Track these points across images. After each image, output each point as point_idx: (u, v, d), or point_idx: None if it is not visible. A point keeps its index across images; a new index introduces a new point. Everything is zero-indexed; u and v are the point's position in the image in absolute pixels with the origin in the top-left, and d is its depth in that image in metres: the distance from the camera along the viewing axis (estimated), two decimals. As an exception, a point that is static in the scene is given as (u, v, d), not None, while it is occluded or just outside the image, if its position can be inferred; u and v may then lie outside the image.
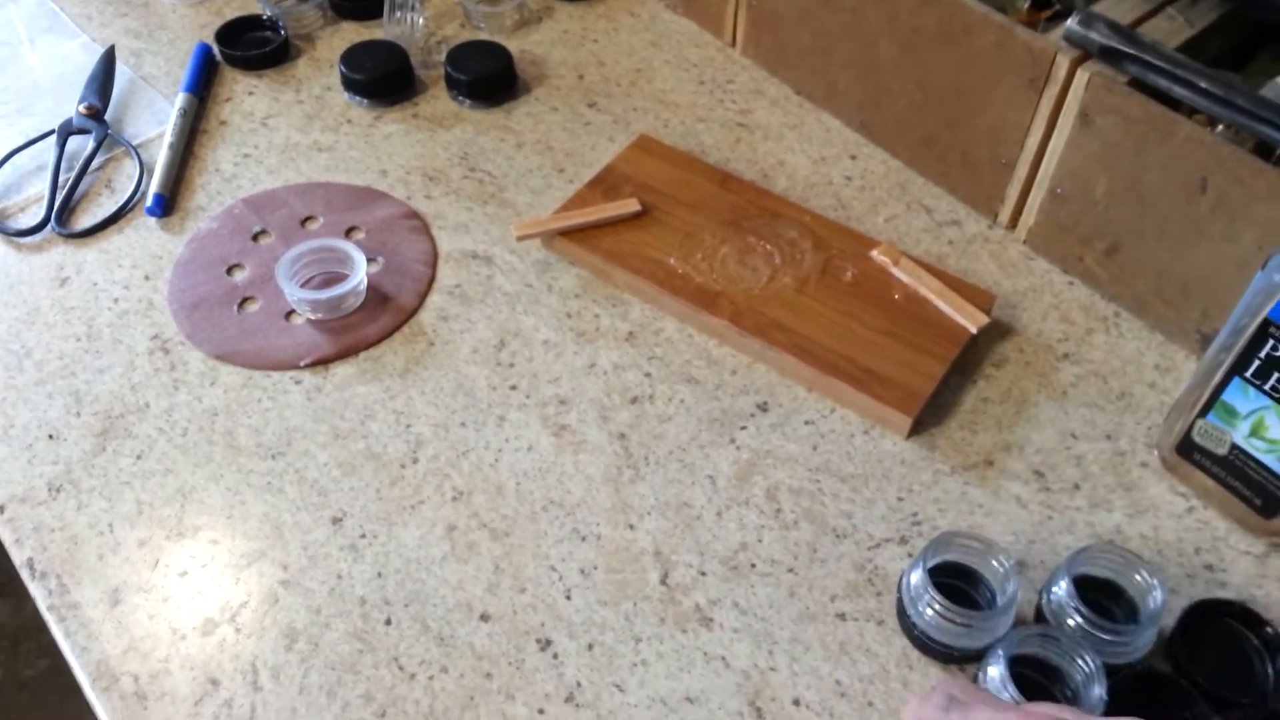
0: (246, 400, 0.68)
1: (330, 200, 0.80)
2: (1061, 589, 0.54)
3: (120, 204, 0.79)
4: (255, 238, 0.77)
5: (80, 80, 0.90)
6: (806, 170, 0.84)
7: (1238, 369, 0.57)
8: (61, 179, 0.81)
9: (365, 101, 0.88)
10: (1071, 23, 0.68)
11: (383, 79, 0.87)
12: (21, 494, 0.64)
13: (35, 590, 0.60)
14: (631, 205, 0.77)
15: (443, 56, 0.90)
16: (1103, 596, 0.56)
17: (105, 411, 0.67)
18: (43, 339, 0.71)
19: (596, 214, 0.77)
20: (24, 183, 0.82)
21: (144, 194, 0.80)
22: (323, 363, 0.70)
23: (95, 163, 0.83)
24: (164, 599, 0.59)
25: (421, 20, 0.93)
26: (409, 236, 0.78)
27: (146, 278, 0.75)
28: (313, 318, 0.72)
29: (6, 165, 0.83)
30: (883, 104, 0.83)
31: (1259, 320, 0.54)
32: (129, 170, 0.83)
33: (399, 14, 0.92)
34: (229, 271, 0.75)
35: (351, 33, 0.96)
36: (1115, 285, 0.73)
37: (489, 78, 0.88)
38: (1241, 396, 0.57)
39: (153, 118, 0.87)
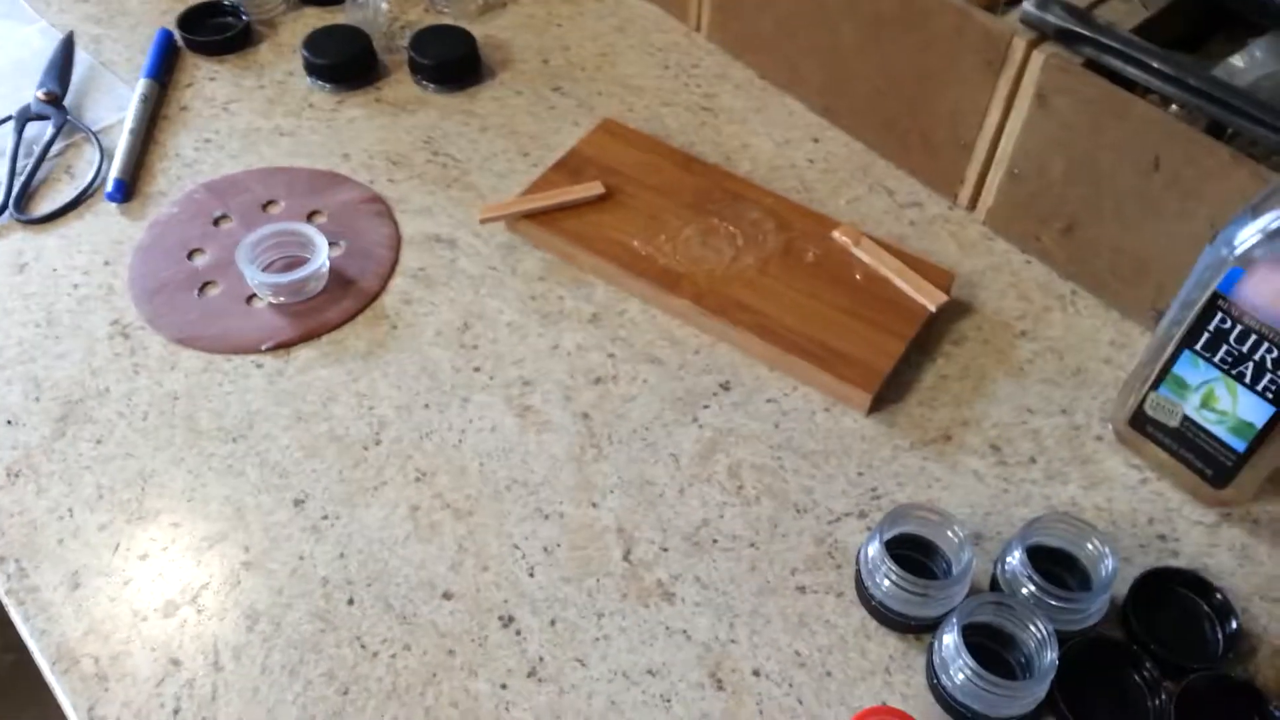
0: (208, 384, 0.68)
1: (292, 185, 0.80)
2: (1015, 558, 0.55)
3: (80, 190, 0.79)
4: (216, 222, 0.77)
5: (39, 66, 0.89)
6: (770, 153, 0.84)
7: (1188, 342, 0.58)
8: (20, 165, 0.81)
9: (328, 86, 0.88)
10: (1028, 5, 0.68)
11: (345, 63, 0.87)
12: (-20, 479, 0.63)
13: (-6, 575, 0.59)
14: (595, 188, 0.78)
15: (406, 41, 0.90)
16: (1056, 566, 0.57)
17: (65, 397, 0.67)
18: (1, 325, 0.71)
19: (561, 197, 0.77)
20: (-19, 169, 0.82)
21: (104, 180, 0.79)
22: (284, 346, 0.70)
23: (54, 149, 0.83)
24: (125, 582, 0.59)
25: (385, 4, 0.93)
26: (371, 220, 0.78)
27: (106, 263, 0.75)
28: (274, 301, 0.72)
29: (-37, 151, 0.82)
30: (845, 88, 0.84)
31: (1208, 294, 0.55)
32: (89, 156, 0.82)
33: (361, -1, 0.92)
34: (190, 256, 0.75)
35: (314, 17, 0.95)
36: (1072, 264, 0.74)
37: (453, 62, 0.88)
38: (1192, 369, 0.58)
39: (113, 103, 0.87)
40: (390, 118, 0.86)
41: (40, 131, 0.83)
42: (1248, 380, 0.56)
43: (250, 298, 0.72)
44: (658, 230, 0.76)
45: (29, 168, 0.80)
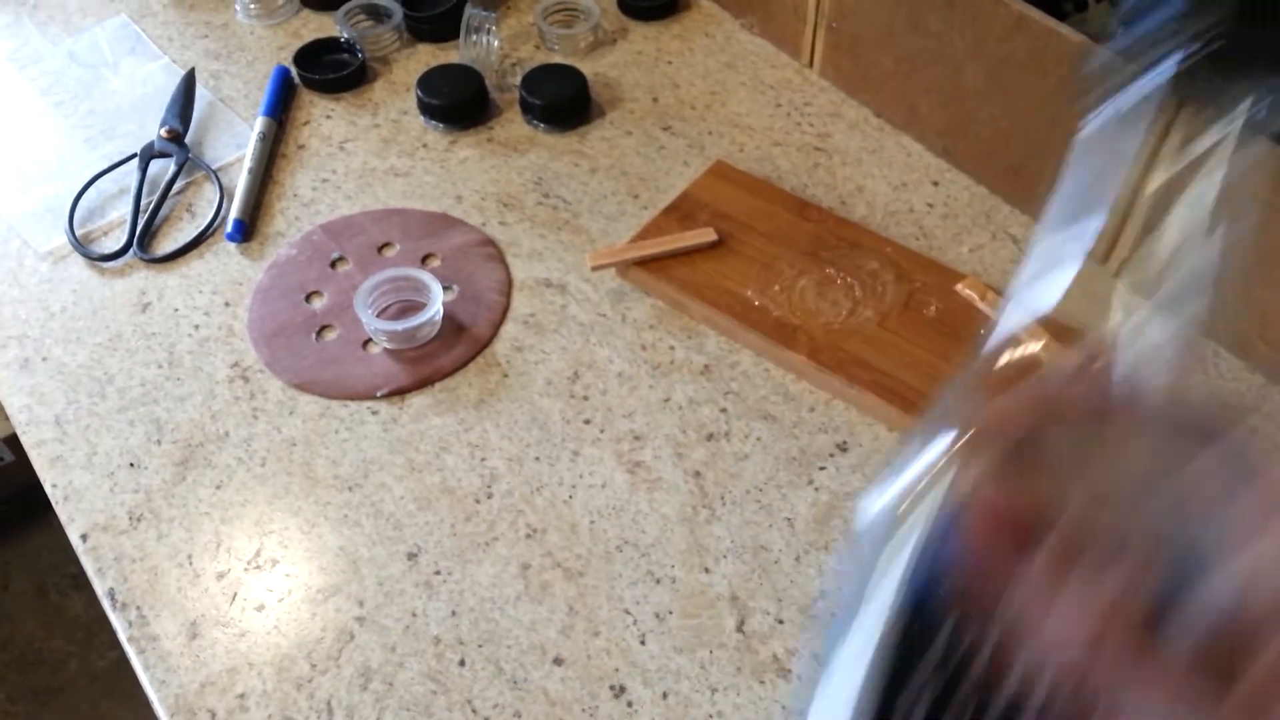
0: (324, 430, 0.68)
1: (406, 227, 0.80)
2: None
3: (201, 229, 0.80)
4: (334, 265, 0.78)
5: (161, 103, 0.91)
6: (887, 197, 0.82)
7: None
8: (143, 203, 0.83)
9: (441, 126, 0.88)
10: (1172, 53, 0.65)
11: (459, 104, 0.87)
12: (104, 522, 0.64)
13: (116, 621, 0.60)
14: (708, 235, 0.76)
15: (517, 79, 0.89)
16: None
17: (186, 440, 0.68)
18: (125, 365, 0.72)
19: (672, 243, 0.76)
20: (107, 206, 0.84)
21: (224, 219, 0.81)
22: (399, 393, 0.70)
23: (176, 187, 0.84)
24: (241, 634, 0.59)
25: (497, 43, 0.93)
26: (484, 264, 0.78)
27: (227, 304, 0.76)
28: (389, 347, 0.72)
29: (91, 189, 0.84)
30: (967, 130, 0.81)
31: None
32: (209, 195, 0.83)
33: (474, 36, 0.92)
34: (308, 299, 0.75)
35: (428, 55, 0.96)
36: (1215, 324, 0.70)
37: (563, 102, 0.88)
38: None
39: (232, 141, 0.88)
40: (501, 158, 0.86)
41: (163, 169, 0.85)
42: None
43: (366, 342, 0.72)
44: (772, 280, 0.74)
45: (152, 206, 0.82)
